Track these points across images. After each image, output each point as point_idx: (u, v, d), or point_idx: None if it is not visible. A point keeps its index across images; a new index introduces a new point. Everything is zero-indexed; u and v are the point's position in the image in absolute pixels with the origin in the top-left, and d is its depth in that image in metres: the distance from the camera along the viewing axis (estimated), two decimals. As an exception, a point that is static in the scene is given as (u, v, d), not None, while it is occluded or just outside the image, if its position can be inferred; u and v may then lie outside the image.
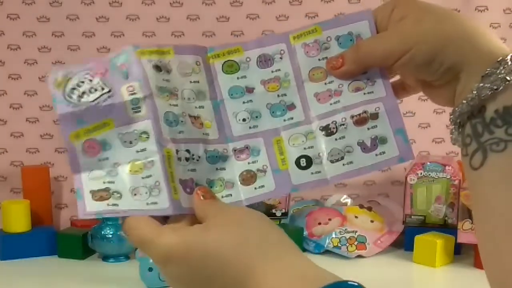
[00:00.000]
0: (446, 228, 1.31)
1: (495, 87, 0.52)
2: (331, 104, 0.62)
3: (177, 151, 0.59)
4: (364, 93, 0.61)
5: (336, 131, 0.61)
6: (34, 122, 1.43)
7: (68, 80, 0.59)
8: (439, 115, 1.48)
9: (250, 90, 0.63)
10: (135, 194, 0.57)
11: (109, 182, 0.58)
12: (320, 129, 0.62)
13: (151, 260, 1.12)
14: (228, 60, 0.63)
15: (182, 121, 0.60)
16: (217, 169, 0.61)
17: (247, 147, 0.62)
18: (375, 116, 0.61)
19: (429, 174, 1.32)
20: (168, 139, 0.59)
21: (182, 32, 1.44)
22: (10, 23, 1.40)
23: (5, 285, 1.20)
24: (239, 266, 0.53)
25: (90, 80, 0.58)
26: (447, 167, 1.32)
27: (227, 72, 0.63)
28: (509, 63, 0.52)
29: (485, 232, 0.52)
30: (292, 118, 0.62)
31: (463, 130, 0.55)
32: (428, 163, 1.33)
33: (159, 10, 1.43)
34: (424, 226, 1.33)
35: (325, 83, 0.62)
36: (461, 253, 1.29)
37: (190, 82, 0.62)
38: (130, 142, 0.58)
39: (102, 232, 1.27)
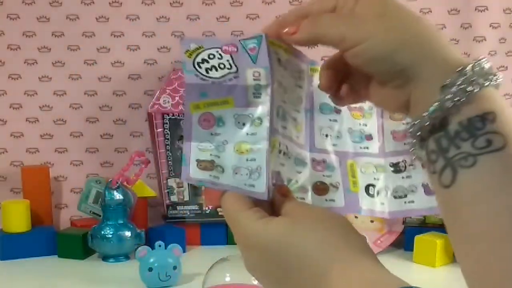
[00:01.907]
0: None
1: (457, 99, 0.50)
2: (404, 144, 0.65)
3: (280, 143, 0.61)
4: None
5: (405, 169, 0.65)
6: (34, 122, 1.43)
7: (199, 51, 0.60)
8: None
9: (337, 111, 0.66)
10: (236, 173, 0.60)
11: (215, 156, 0.60)
12: (390, 165, 0.65)
13: (151, 260, 1.13)
14: None
15: (287, 118, 0.62)
16: (297, 172, 0.64)
17: (324, 161, 0.65)
18: None
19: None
20: (277, 129, 0.61)
21: (182, 32, 1.44)
22: (10, 23, 1.40)
23: (5, 285, 1.20)
24: (320, 263, 0.53)
25: (220, 56, 0.60)
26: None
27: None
28: (469, 73, 0.50)
29: (465, 252, 0.51)
30: (367, 148, 0.66)
31: (426, 145, 0.52)
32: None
33: (159, 10, 1.43)
34: (424, 226, 1.33)
35: (403, 123, 0.65)
36: (461, 253, 1.29)
37: (296, 85, 0.64)
38: (243, 124, 0.60)
39: (102, 232, 1.27)
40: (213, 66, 0.60)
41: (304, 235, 0.54)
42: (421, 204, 0.64)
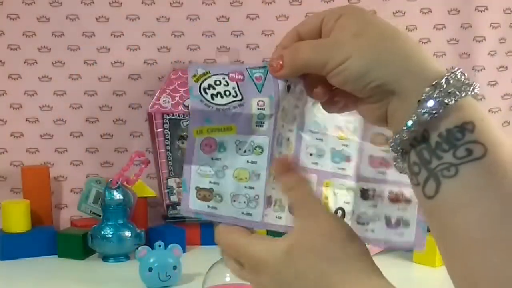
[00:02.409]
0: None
1: (434, 111, 0.51)
2: (378, 172, 0.66)
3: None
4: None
5: (373, 198, 0.66)
6: (34, 122, 1.43)
7: (206, 77, 0.61)
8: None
9: (324, 131, 0.66)
10: (234, 201, 0.61)
11: (214, 183, 0.61)
12: (360, 190, 0.66)
13: (151, 260, 1.13)
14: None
15: (282, 143, 0.63)
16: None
17: None
18: (408, 201, 0.66)
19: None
20: (275, 157, 0.62)
21: (182, 32, 1.44)
22: (10, 23, 1.40)
23: (5, 285, 1.20)
24: (321, 282, 0.55)
25: (226, 83, 0.61)
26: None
27: (313, 104, 0.65)
28: (444, 86, 0.52)
29: (454, 257, 0.52)
30: (344, 169, 0.66)
31: (408, 157, 0.53)
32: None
33: (159, 10, 1.43)
34: (424, 226, 1.32)
35: (382, 150, 0.66)
36: (461, 253, 1.29)
37: (294, 106, 0.63)
38: (244, 151, 0.61)
39: (102, 232, 1.27)
40: (219, 93, 0.60)
41: (305, 256, 0.56)
42: (380, 234, 0.66)
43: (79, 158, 1.45)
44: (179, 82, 1.36)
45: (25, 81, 1.42)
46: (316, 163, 0.66)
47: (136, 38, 1.43)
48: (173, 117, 1.35)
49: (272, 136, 0.61)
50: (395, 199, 0.66)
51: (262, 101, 0.60)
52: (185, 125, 1.33)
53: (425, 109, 0.51)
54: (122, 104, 1.44)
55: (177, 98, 1.35)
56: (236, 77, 0.61)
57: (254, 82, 0.61)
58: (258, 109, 0.60)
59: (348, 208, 0.66)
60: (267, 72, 0.60)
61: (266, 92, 0.60)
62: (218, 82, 0.61)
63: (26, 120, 1.43)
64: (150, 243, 1.22)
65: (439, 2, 1.47)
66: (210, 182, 0.61)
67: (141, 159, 1.32)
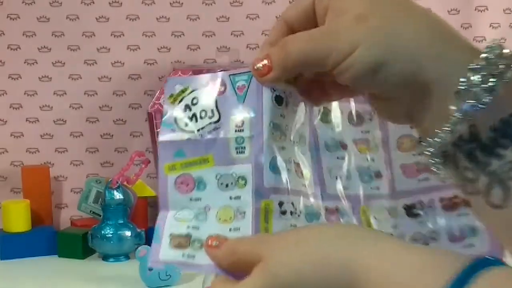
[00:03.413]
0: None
1: (481, 101, 0.40)
2: (419, 180, 0.55)
3: (280, 203, 0.51)
4: None
5: (422, 213, 0.54)
6: (34, 122, 1.43)
7: (184, 95, 0.53)
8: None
9: (344, 146, 0.56)
10: None
11: (193, 228, 0.52)
12: (403, 208, 0.55)
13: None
14: (325, 108, 0.56)
15: (288, 169, 0.52)
16: None
17: (337, 209, 0.54)
18: (468, 203, 0.51)
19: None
20: (270, 189, 0.50)
21: (182, 32, 1.44)
22: (10, 23, 1.40)
23: (5, 285, 1.20)
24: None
25: (205, 100, 0.53)
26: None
27: (323, 121, 0.56)
28: (485, 66, 0.41)
29: None
30: (378, 188, 0.55)
31: (454, 162, 0.42)
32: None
33: (159, 10, 1.43)
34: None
35: (413, 154, 0.55)
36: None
37: (297, 121, 0.53)
38: (226, 186, 0.51)
39: (102, 232, 1.27)
40: (194, 115, 0.52)
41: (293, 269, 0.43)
42: None
43: (79, 158, 1.45)
44: (179, 82, 1.35)
45: (25, 81, 1.42)
46: (346, 188, 0.54)
47: (136, 38, 1.43)
48: (173, 117, 1.34)
49: (255, 162, 0.50)
50: (451, 205, 0.54)
51: (241, 120, 0.51)
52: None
53: (468, 100, 0.40)
54: (122, 104, 1.44)
55: (177, 98, 1.35)
56: (217, 88, 0.52)
57: (236, 92, 0.51)
58: (236, 131, 0.51)
59: (397, 233, 0.54)
60: (250, 80, 0.51)
61: (249, 104, 0.51)
62: (195, 101, 0.52)
63: (26, 120, 1.43)
64: (150, 242, 1.21)
65: (439, 2, 1.47)
66: (188, 227, 0.52)
67: (141, 159, 1.32)
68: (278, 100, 0.51)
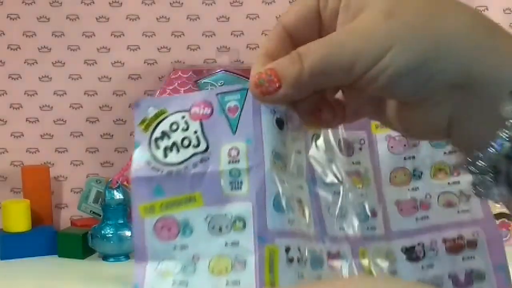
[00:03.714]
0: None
1: None
2: (417, 219, 0.49)
3: (287, 249, 0.42)
4: (458, 211, 0.49)
5: (424, 256, 0.48)
6: (34, 122, 1.43)
7: (160, 119, 0.44)
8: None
9: (337, 178, 0.48)
10: None
11: (180, 283, 0.42)
12: (402, 251, 0.48)
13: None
14: (316, 135, 0.48)
15: (292, 207, 0.43)
16: (317, 279, 0.44)
17: (338, 253, 0.47)
18: (473, 244, 0.48)
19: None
20: (275, 231, 0.42)
21: (182, 32, 1.44)
22: (10, 23, 1.40)
23: (5, 285, 1.20)
24: None
25: (186, 126, 0.43)
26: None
27: (317, 147, 0.48)
28: None
29: None
30: (374, 228, 0.48)
31: (505, 178, 0.36)
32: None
33: (159, 10, 1.43)
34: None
35: (409, 189, 0.49)
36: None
37: (296, 151, 0.45)
38: (220, 229, 0.42)
39: (102, 232, 1.27)
40: (174, 144, 0.43)
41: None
42: None
43: (79, 158, 1.45)
44: (179, 82, 1.36)
45: (25, 81, 1.42)
46: (342, 228, 0.47)
47: (136, 38, 1.43)
48: (173, 117, 1.34)
49: (259, 198, 0.41)
50: (456, 247, 0.48)
51: (236, 148, 0.42)
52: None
53: None
54: (122, 104, 1.44)
55: (177, 98, 1.35)
56: (201, 112, 0.43)
57: (226, 116, 0.43)
58: (229, 162, 0.42)
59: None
60: (244, 99, 0.42)
61: (243, 132, 0.42)
62: (174, 126, 0.44)
63: (26, 120, 1.43)
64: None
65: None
66: (174, 282, 0.42)
67: (141, 159, 1.32)
68: (280, 124, 0.43)
